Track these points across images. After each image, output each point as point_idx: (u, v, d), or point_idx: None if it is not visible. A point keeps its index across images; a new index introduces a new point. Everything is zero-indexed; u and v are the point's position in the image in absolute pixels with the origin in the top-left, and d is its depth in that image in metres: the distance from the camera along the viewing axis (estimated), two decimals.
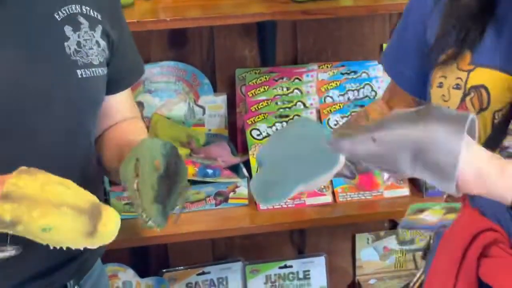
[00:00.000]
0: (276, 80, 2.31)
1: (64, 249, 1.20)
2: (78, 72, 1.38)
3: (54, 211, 1.14)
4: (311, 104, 2.29)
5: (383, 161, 1.09)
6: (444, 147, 1.05)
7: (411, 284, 1.50)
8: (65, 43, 1.37)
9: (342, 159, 1.13)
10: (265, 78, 2.30)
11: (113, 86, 1.49)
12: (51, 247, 1.20)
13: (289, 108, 2.28)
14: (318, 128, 1.22)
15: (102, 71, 1.42)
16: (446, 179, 1.07)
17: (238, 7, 2.05)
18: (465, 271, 1.29)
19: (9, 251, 1.24)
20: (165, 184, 1.26)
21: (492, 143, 1.21)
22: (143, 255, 2.40)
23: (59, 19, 1.37)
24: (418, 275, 1.49)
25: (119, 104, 1.55)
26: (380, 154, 1.09)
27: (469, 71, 1.27)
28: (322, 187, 2.16)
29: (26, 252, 1.36)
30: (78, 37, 1.39)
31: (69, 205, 1.15)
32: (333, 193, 2.19)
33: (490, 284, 1.28)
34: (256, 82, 2.29)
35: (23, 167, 1.18)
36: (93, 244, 1.18)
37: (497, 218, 1.30)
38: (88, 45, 1.40)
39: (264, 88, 2.29)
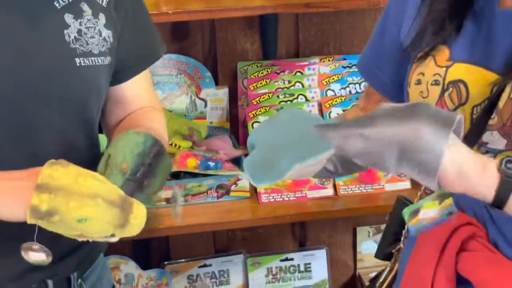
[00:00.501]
0: (278, 73, 2.31)
1: (90, 241, 1.22)
2: (77, 60, 1.37)
3: (90, 203, 1.16)
4: (313, 97, 2.30)
5: (371, 158, 1.10)
6: (429, 147, 1.06)
7: (381, 279, 1.50)
8: (65, 31, 1.36)
9: None
10: (267, 71, 2.30)
11: (121, 74, 1.48)
12: (78, 239, 1.21)
13: (291, 101, 2.28)
14: (307, 114, 1.22)
15: (102, 60, 1.41)
16: (429, 177, 1.08)
17: (240, 0, 2.06)
18: (443, 265, 1.29)
19: (46, 255, 1.26)
20: (130, 188, 1.26)
21: (471, 138, 1.22)
22: (145, 248, 2.41)
23: (59, 7, 1.36)
24: (386, 271, 1.49)
25: (133, 93, 1.52)
26: (368, 151, 1.09)
27: (447, 67, 1.28)
28: (324, 180, 2.17)
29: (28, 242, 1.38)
30: (80, 24, 1.38)
31: (103, 197, 1.17)
32: (334, 186, 2.19)
33: (468, 278, 1.29)
34: (257, 75, 2.30)
35: (53, 160, 1.19)
36: (121, 235, 1.21)
37: (474, 212, 1.30)
38: (89, 34, 1.39)
39: (266, 81, 2.30)
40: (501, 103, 1.20)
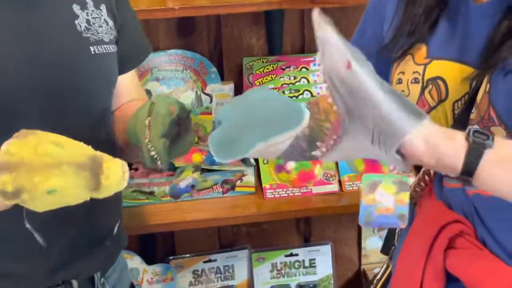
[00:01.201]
0: (283, 69, 2.31)
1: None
2: (91, 48, 1.38)
3: (55, 172, 1.11)
4: (318, 93, 2.30)
5: (349, 91, 1.07)
6: (396, 124, 1.06)
7: (378, 276, 1.51)
8: (76, 21, 1.38)
9: (306, 119, 1.12)
10: (273, 67, 2.31)
11: (119, 67, 1.49)
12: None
13: (296, 97, 2.29)
14: (276, 94, 1.21)
15: (113, 48, 1.43)
16: (387, 146, 1.07)
17: None
18: (432, 262, 1.30)
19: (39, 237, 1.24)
20: (176, 129, 1.24)
21: None
22: (150, 243, 2.41)
23: None
24: (381, 270, 1.50)
25: (125, 86, 1.54)
26: (343, 79, 1.06)
27: (425, 65, 1.28)
28: (329, 175, 2.17)
29: (51, 242, 1.38)
30: (87, 15, 1.39)
31: (68, 163, 1.12)
32: (340, 182, 2.19)
33: (456, 275, 1.29)
34: (263, 71, 2.30)
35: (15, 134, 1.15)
36: (101, 196, 1.15)
37: (462, 210, 1.30)
38: (97, 23, 1.40)
39: (271, 77, 2.30)
40: (478, 97, 1.21)
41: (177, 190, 2.13)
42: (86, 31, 1.38)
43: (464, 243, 1.29)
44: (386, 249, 1.54)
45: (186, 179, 1.44)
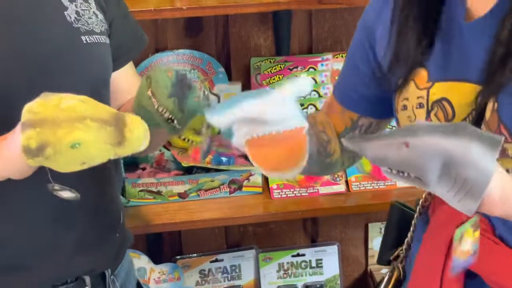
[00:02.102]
0: (291, 69, 2.31)
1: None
2: (83, 38, 1.38)
3: (79, 125, 1.11)
4: (326, 94, 2.30)
5: (412, 167, 1.07)
6: (478, 166, 1.04)
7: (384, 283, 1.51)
8: (65, 12, 1.38)
9: (275, 92, 1.13)
10: (280, 67, 2.31)
11: (115, 61, 1.49)
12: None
13: (304, 97, 2.29)
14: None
15: (104, 39, 1.43)
16: (471, 196, 1.06)
17: None
18: (451, 261, 1.30)
19: (71, 192, 1.23)
20: (179, 88, 1.21)
21: None
22: (157, 242, 2.42)
23: None
24: (385, 280, 1.50)
25: (123, 83, 1.53)
26: (410, 160, 1.06)
27: (428, 88, 1.28)
28: (336, 176, 2.17)
29: (64, 232, 1.39)
30: (76, 7, 1.40)
31: (91, 118, 1.12)
32: (347, 182, 2.19)
33: (476, 271, 1.29)
34: (271, 71, 2.30)
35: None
36: (125, 152, 1.14)
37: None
38: (86, 15, 1.41)
39: (279, 77, 2.30)
40: (487, 115, 1.21)
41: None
42: (76, 22, 1.38)
43: (482, 239, 1.28)
44: (382, 259, 1.54)
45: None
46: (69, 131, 1.10)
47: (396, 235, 1.52)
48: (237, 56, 2.33)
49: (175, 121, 1.21)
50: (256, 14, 2.28)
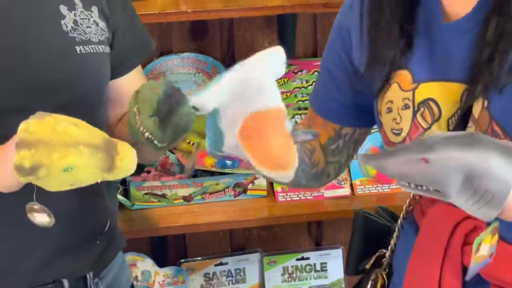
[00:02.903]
0: (296, 73, 2.31)
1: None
2: (77, 48, 1.38)
3: (72, 151, 1.14)
4: None
5: (433, 182, 1.08)
6: (500, 175, 1.05)
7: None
8: (62, 21, 1.38)
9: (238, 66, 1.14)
10: (285, 70, 2.30)
11: (118, 68, 1.49)
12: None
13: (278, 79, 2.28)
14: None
15: (103, 48, 1.42)
16: (492, 206, 1.07)
17: (258, 0, 2.06)
18: (449, 262, 1.30)
19: (48, 216, 1.23)
20: (165, 106, 1.22)
21: None
22: (161, 245, 2.42)
23: None
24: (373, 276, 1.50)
25: (130, 88, 1.47)
26: (431, 175, 1.07)
27: (413, 90, 1.28)
28: (341, 179, 2.17)
29: (40, 237, 1.38)
30: (75, 16, 1.39)
31: (85, 143, 1.15)
32: (351, 186, 2.19)
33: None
34: None
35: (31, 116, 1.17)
36: (112, 178, 1.18)
37: None
38: (85, 24, 1.40)
39: (284, 81, 2.30)
40: (475, 113, 1.21)
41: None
42: (73, 31, 1.38)
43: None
44: (351, 270, 1.55)
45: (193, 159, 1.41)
46: (63, 155, 1.13)
47: (363, 244, 1.53)
48: (242, 59, 2.31)
49: (155, 141, 1.22)
50: (261, 18, 2.28)
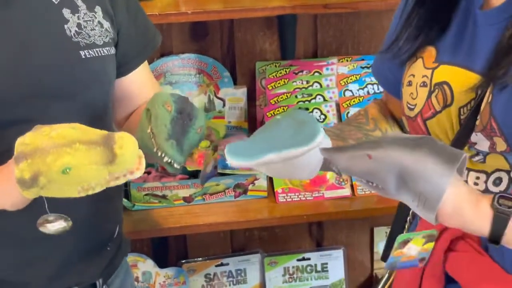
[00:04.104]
0: (296, 73, 2.32)
1: (93, 188, 1.14)
2: (82, 53, 1.36)
3: (67, 150, 1.11)
4: (331, 98, 2.30)
5: (375, 178, 1.12)
6: (432, 181, 1.08)
7: (380, 285, 1.52)
8: (65, 26, 1.36)
9: (319, 137, 1.15)
10: (285, 71, 2.31)
11: (124, 67, 1.48)
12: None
13: (309, 101, 2.29)
14: (306, 115, 1.23)
15: (107, 50, 1.41)
16: (427, 209, 1.10)
17: (259, 1, 2.06)
18: (431, 264, 1.30)
19: (64, 221, 1.23)
20: (179, 124, 1.23)
21: (461, 138, 1.23)
22: (162, 246, 2.42)
23: (56, 2, 1.36)
24: (384, 278, 1.51)
25: (137, 85, 1.52)
26: (372, 171, 1.12)
27: (433, 69, 1.29)
28: (341, 180, 2.17)
29: (53, 247, 1.38)
30: (78, 19, 1.38)
31: (80, 140, 1.12)
32: (352, 187, 2.19)
33: (455, 277, 1.30)
34: (276, 75, 2.30)
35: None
36: (119, 170, 1.15)
37: None
38: (89, 26, 1.38)
39: (284, 81, 2.30)
40: (482, 106, 1.21)
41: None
42: (77, 36, 1.37)
43: (465, 246, 1.29)
44: (386, 256, 1.55)
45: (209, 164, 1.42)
46: (57, 156, 1.11)
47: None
48: (242, 60, 2.33)
49: (175, 164, 1.24)
50: (261, 19, 2.29)
